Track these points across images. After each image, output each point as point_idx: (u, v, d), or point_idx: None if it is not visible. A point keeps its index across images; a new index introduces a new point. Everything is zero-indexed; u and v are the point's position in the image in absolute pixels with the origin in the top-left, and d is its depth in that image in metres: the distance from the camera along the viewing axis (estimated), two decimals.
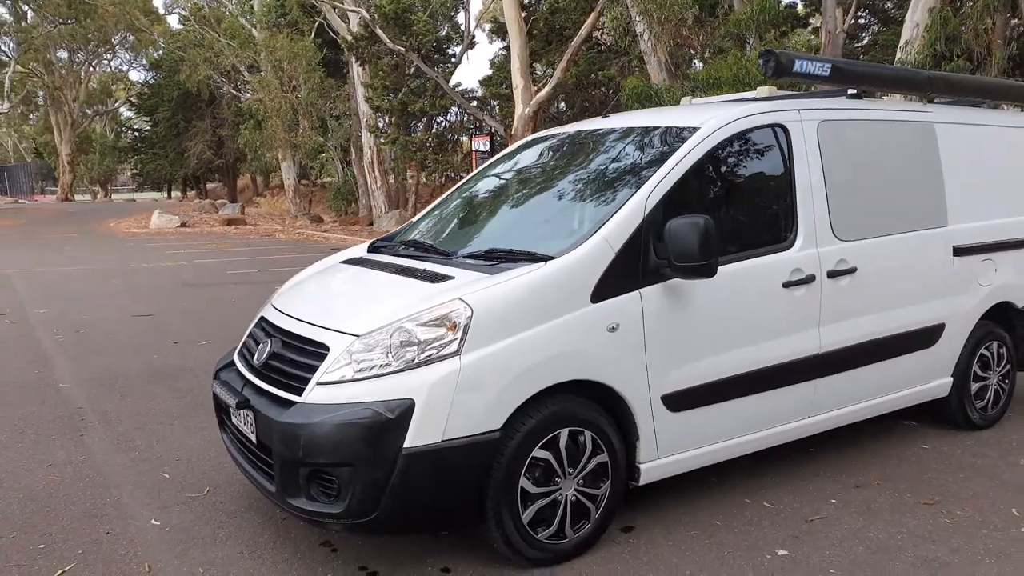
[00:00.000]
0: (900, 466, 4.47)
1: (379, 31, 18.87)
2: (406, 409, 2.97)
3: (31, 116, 56.34)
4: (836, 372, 4.19)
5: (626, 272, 3.42)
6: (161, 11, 41.62)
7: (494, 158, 4.95)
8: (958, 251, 4.73)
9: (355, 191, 26.73)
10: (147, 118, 45.22)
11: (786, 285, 3.91)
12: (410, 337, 3.11)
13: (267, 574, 3.30)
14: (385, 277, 3.72)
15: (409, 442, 2.96)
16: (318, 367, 3.19)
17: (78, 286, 12.02)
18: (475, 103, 23.10)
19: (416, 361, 3.06)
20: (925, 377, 4.73)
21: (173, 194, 51.49)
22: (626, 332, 3.41)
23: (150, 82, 43.71)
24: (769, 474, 4.30)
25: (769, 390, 3.91)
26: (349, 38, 20.78)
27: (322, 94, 24.98)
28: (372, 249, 4.34)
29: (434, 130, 23.88)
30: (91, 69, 46.04)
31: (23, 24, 38.38)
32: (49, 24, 38.04)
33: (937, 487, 4.18)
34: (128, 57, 47.27)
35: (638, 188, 3.56)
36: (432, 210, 4.68)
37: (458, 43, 26.72)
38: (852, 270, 4.17)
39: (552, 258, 3.37)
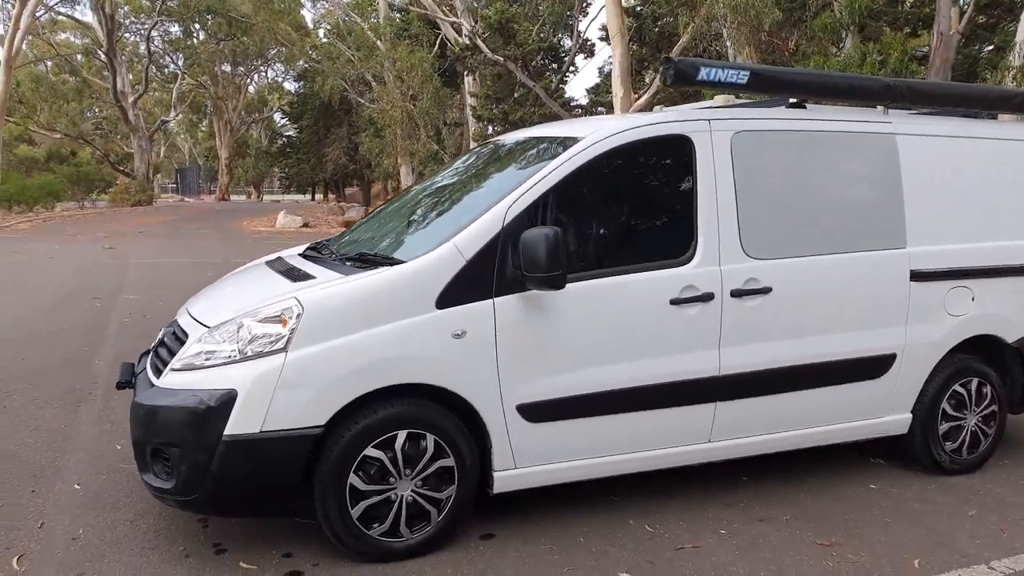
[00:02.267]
0: (827, 504, 4.19)
1: (479, 42, 19.33)
2: (228, 399, 3.16)
3: (202, 124, 61.58)
4: (744, 397, 3.99)
5: (479, 280, 3.45)
6: (310, 26, 44.36)
7: (444, 168, 5.08)
8: (917, 276, 4.36)
9: None
10: (294, 125, 48.34)
11: (675, 302, 3.78)
12: (246, 332, 3.30)
13: (135, 538, 3.59)
14: (269, 276, 3.93)
15: (229, 430, 3.15)
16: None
17: (177, 277, 13.11)
18: (579, 111, 23.10)
19: (249, 354, 3.25)
20: (873, 411, 4.40)
21: (316, 197, 54.69)
22: (475, 339, 3.44)
23: (299, 92, 46.71)
24: (673, 498, 4.15)
25: (651, 409, 3.80)
26: (457, 49, 21.40)
27: (437, 103, 25.80)
28: (303, 252, 4.58)
29: None
30: (249, 80, 49.74)
31: (191, 41, 42.04)
32: (213, 41, 41.44)
33: (848, 529, 3.89)
34: (281, 69, 50.74)
35: (502, 199, 3.58)
36: (369, 217, 4.86)
37: (576, 51, 26.86)
38: (765, 290, 3.96)
39: (401, 263, 3.47)
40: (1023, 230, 4.72)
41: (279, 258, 4.35)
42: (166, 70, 46.20)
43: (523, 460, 3.62)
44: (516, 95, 22.53)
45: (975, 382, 4.63)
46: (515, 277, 3.47)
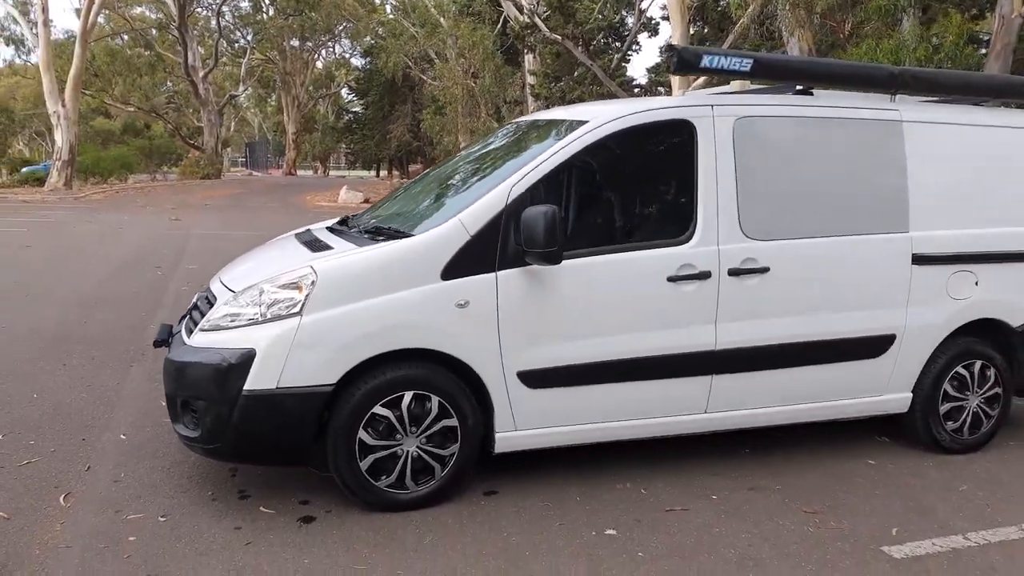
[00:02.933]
0: (820, 476, 4.35)
1: (537, 20, 19.42)
2: (248, 357, 3.50)
3: (271, 98, 63.09)
4: (740, 371, 4.17)
5: (482, 254, 3.71)
6: (377, 2, 44.89)
7: (467, 148, 5.33)
8: (919, 259, 4.45)
9: None
10: (360, 101, 49.18)
11: (672, 279, 3.98)
12: (267, 296, 3.64)
13: (169, 483, 4.00)
14: (295, 247, 4.26)
15: (248, 385, 3.49)
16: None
17: (237, 248, 13.64)
18: (638, 91, 22.99)
19: (268, 317, 3.59)
20: (873, 389, 4.53)
21: (381, 173, 55.63)
22: (477, 309, 3.71)
23: (365, 68, 47.45)
24: (668, 466, 4.36)
25: (648, 380, 4.02)
26: (517, 27, 21.52)
27: (498, 81, 26.01)
28: (330, 225, 4.90)
29: None
30: (316, 56, 50.72)
31: (259, 16, 43.09)
32: (281, 17, 42.37)
33: (835, 499, 4.06)
34: (349, 45, 51.58)
35: (507, 179, 3.82)
36: (395, 193, 5.16)
37: (639, 30, 26.66)
38: (763, 270, 4.12)
39: (411, 236, 3.75)
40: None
41: (308, 231, 4.68)
42: (236, 45, 47.47)
43: (523, 423, 3.89)
44: (576, 74, 22.55)
45: (978, 364, 4.70)
46: (517, 252, 3.72)
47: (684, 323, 4.04)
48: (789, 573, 3.33)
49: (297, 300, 3.57)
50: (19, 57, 44.59)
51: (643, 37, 27.58)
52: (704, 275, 4.02)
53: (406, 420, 3.68)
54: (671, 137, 4.10)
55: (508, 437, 3.90)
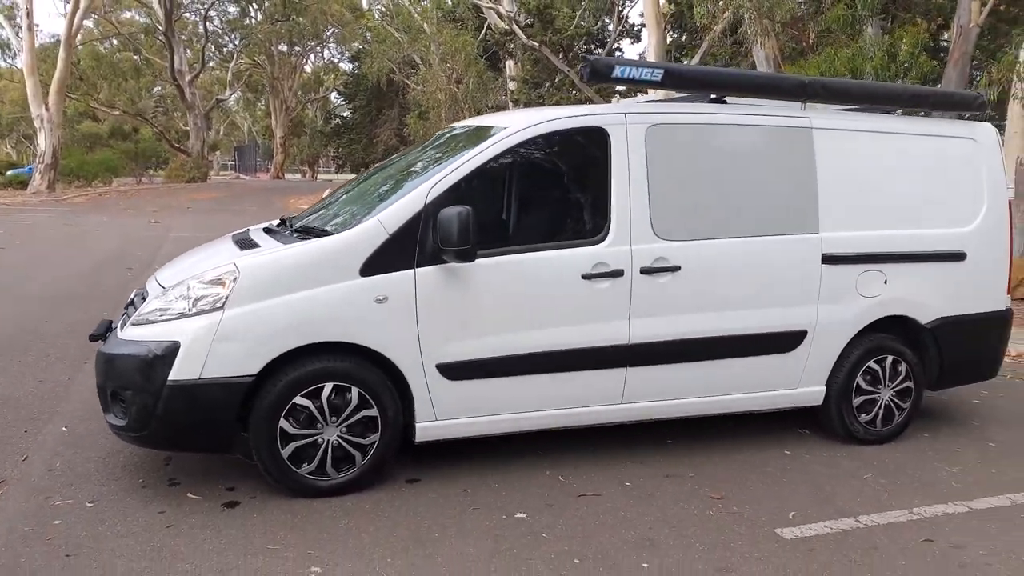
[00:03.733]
0: (734, 465, 4.55)
1: (515, 27, 19.66)
2: (173, 349, 3.69)
3: (260, 103, 63.15)
4: (654, 364, 4.38)
5: (401, 252, 3.91)
6: (365, 6, 45.07)
7: (404, 151, 5.53)
8: (829, 259, 4.66)
9: None
10: (348, 106, 49.32)
11: (586, 277, 4.18)
12: (193, 292, 3.82)
13: (102, 471, 4.17)
14: (227, 246, 4.45)
15: (172, 376, 3.68)
16: None
17: None
18: (617, 97, 23.25)
19: (193, 311, 3.77)
20: (787, 383, 4.74)
21: None
22: (396, 304, 3.90)
23: (353, 73, 47.58)
24: (592, 455, 4.57)
25: (564, 372, 4.22)
26: (496, 34, 21.76)
27: (481, 87, 26.24)
28: (267, 226, 5.04)
29: None
30: (304, 60, 50.87)
31: (247, 21, 43.21)
32: (268, 22, 42.50)
33: (743, 486, 4.26)
34: (337, 49, 51.70)
35: (427, 180, 4.03)
36: (335, 194, 5.35)
37: (619, 36, 26.96)
38: (674, 268, 4.33)
39: (331, 235, 3.95)
40: (937, 219, 4.97)
41: (245, 231, 4.86)
42: (224, 49, 47.58)
43: (443, 413, 4.09)
44: (555, 80, 22.79)
45: (890, 359, 4.92)
46: (435, 250, 3.92)
47: (598, 318, 4.24)
48: (681, 552, 3.53)
49: (221, 295, 3.76)
50: (4, 60, 44.59)
51: (626, 44, 27.97)
52: (617, 273, 4.23)
53: (326, 410, 3.86)
54: (586, 143, 4.31)
55: (429, 427, 4.09)
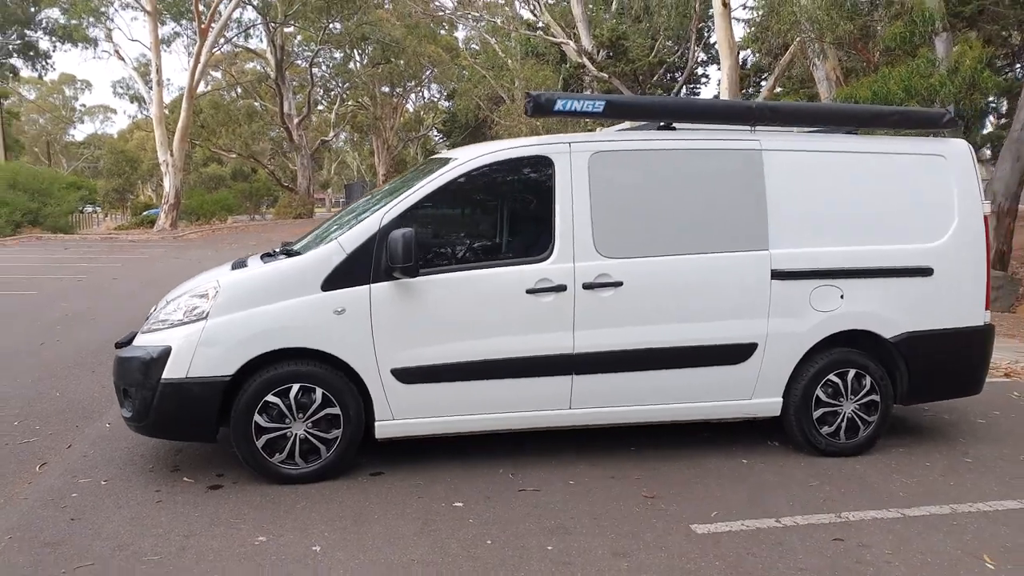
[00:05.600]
0: (682, 469, 4.81)
1: (584, 59, 20.22)
2: (166, 352, 4.37)
3: (366, 142, 66.31)
4: (599, 372, 4.72)
5: (358, 270, 4.47)
6: (461, 46, 46.86)
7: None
8: (779, 275, 4.88)
9: None
10: (446, 143, 51.08)
11: (531, 291, 4.60)
12: (186, 304, 4.51)
13: (124, 458, 4.89)
14: (224, 268, 5.13)
15: (165, 375, 4.35)
16: None
17: None
18: None
19: (184, 320, 4.45)
20: (740, 393, 4.96)
21: None
22: (353, 316, 4.45)
23: (450, 110, 49.40)
24: (550, 458, 4.94)
25: (512, 378, 4.63)
26: (570, 67, 22.41)
27: (560, 119, 26.85)
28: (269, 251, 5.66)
29: None
30: (405, 100, 53.16)
31: (351, 65, 45.77)
32: (370, 65, 44.89)
33: (683, 488, 4.52)
34: (438, 88, 53.78)
35: (384, 206, 4.58)
36: (328, 222, 5.97)
37: (696, 64, 27.05)
38: (617, 284, 4.68)
39: (299, 254, 4.56)
40: (900, 235, 5.08)
41: (250, 255, 5.56)
42: (332, 93, 50.46)
43: (400, 413, 4.58)
44: None
45: (852, 373, 5.04)
46: (387, 268, 4.45)
47: (543, 329, 4.64)
48: (588, 539, 3.86)
49: (205, 307, 4.42)
50: (140, 113, 48.95)
51: (713, 69, 27.99)
52: (560, 288, 4.62)
53: (294, 407, 4.44)
54: (532, 171, 4.76)
55: (386, 425, 4.59)
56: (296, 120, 39.86)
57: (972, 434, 5.68)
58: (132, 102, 46.53)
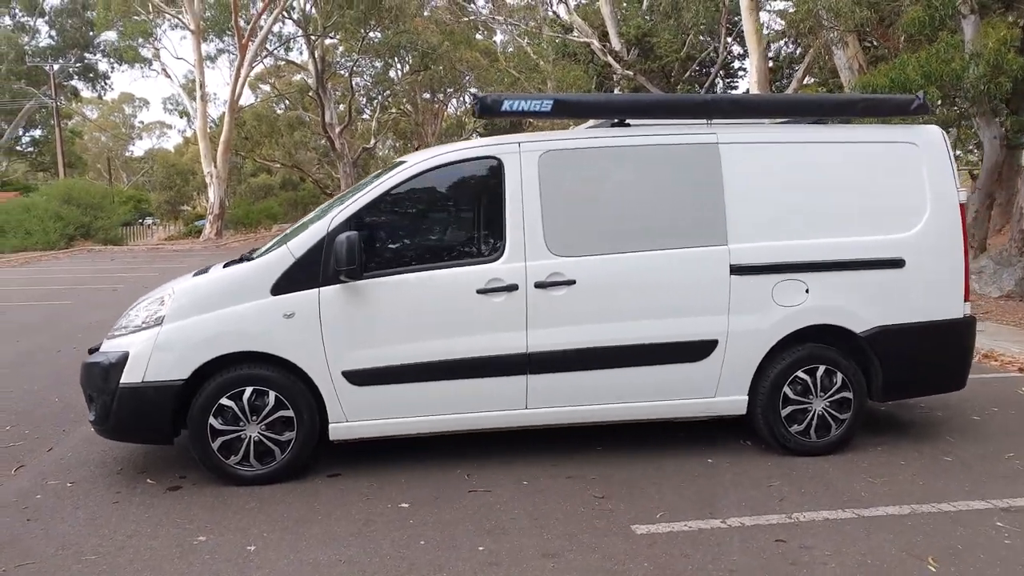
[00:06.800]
0: (642, 470, 4.74)
1: (610, 58, 20.09)
2: (124, 358, 4.49)
3: (409, 147, 67.05)
4: (554, 372, 4.69)
5: (306, 274, 4.52)
6: (499, 50, 47.05)
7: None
8: (738, 270, 4.78)
9: None
10: None
11: (481, 292, 4.60)
12: (144, 310, 4.63)
13: (97, 461, 5.03)
14: (188, 275, 5.23)
15: (123, 380, 4.47)
16: None
17: None
18: None
19: (142, 326, 4.57)
20: (702, 391, 4.87)
21: None
22: (303, 319, 4.51)
23: None
24: (513, 457, 4.93)
25: (464, 379, 4.63)
26: (598, 66, 22.29)
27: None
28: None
29: None
30: (445, 106, 53.58)
31: (391, 73, 46.35)
32: (410, 73, 45.39)
33: (635, 489, 4.46)
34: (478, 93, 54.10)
35: (334, 210, 4.63)
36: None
37: (726, 58, 26.59)
38: (570, 282, 4.65)
39: (250, 260, 4.64)
40: (869, 227, 4.92)
41: (216, 264, 5.67)
42: (375, 101, 51.19)
43: (352, 415, 4.62)
44: None
45: (822, 369, 4.90)
46: (335, 271, 4.50)
47: (495, 329, 4.63)
48: (522, 539, 3.83)
49: (161, 313, 4.53)
50: (189, 128, 50.44)
51: (749, 63, 27.45)
52: (512, 287, 4.61)
53: (247, 410, 4.51)
54: (481, 172, 4.76)
55: (340, 427, 4.64)
56: (338, 129, 40.48)
57: (961, 432, 5.47)
58: (181, 117, 47.99)
